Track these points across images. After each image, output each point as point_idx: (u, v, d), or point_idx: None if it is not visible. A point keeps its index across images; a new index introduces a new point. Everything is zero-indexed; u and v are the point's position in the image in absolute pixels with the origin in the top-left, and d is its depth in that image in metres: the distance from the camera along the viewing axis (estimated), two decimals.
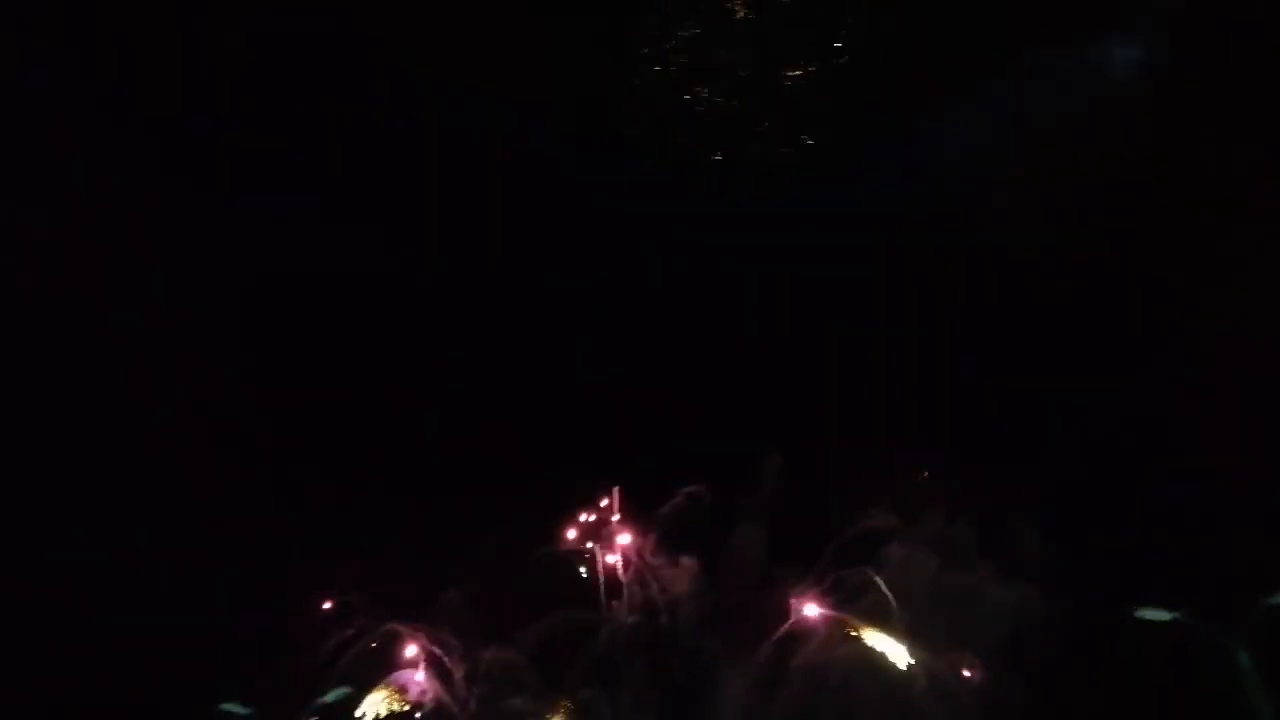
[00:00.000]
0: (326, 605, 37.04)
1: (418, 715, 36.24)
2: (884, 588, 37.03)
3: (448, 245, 44.81)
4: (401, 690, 36.54)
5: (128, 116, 42.78)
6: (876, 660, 36.60)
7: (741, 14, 43.03)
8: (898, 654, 36.12)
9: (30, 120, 41.41)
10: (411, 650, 36.88)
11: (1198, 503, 33.29)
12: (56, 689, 33.06)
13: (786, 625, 37.30)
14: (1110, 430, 35.71)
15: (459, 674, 36.99)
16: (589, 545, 39.63)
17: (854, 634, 36.93)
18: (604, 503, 40.44)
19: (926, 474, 39.10)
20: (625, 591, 38.97)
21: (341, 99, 46.02)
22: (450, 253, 44.74)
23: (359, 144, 45.97)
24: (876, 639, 36.54)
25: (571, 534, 39.93)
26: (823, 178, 46.31)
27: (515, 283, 45.66)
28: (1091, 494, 35.84)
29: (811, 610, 37.27)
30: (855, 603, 37.30)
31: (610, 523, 40.13)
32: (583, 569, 39.57)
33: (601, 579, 39.11)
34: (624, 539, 39.74)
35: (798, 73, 44.50)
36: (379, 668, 36.82)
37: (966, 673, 34.67)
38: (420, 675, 36.83)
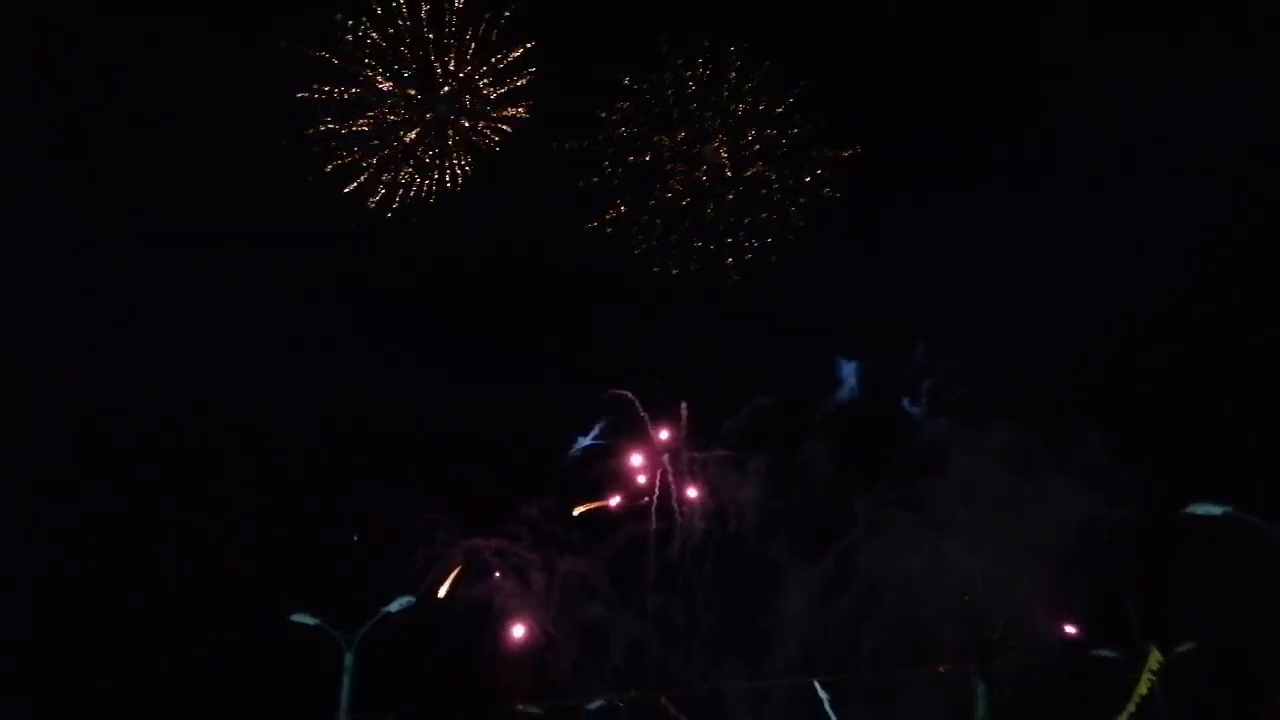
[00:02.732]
0: (410, 522, 38.19)
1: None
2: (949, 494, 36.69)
3: None
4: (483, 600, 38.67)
5: None
6: (940, 564, 36.43)
7: None
8: (960, 558, 35.83)
9: None
10: (492, 563, 38.99)
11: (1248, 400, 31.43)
12: (143, 591, 36.34)
13: (853, 532, 37.46)
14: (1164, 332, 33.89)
15: (538, 585, 38.86)
16: (663, 456, 40.42)
17: (918, 539, 36.79)
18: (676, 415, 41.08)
19: None
20: (696, 500, 39.74)
21: None
22: None
23: None
24: (940, 544, 36.31)
25: (644, 447, 40.93)
26: None
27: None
28: (1147, 394, 34.24)
29: (877, 517, 37.32)
30: (920, 509, 37.09)
31: (682, 435, 40.81)
32: (655, 481, 40.44)
33: (674, 489, 39.99)
34: (695, 450, 40.46)
35: None
36: (459, 580, 39.14)
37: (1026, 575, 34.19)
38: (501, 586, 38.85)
